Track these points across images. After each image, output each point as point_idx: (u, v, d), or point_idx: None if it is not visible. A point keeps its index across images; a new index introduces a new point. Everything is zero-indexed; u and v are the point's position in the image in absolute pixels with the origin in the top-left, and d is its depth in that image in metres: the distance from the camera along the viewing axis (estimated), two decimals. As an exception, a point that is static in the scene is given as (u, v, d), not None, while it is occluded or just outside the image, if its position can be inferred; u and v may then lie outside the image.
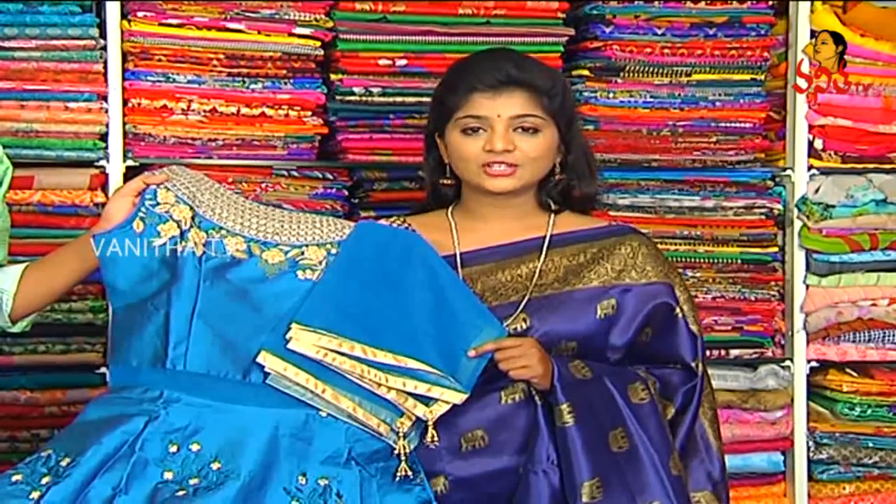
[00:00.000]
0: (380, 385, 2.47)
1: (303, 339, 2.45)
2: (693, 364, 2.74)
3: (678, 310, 2.75)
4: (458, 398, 2.50)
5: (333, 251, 2.58)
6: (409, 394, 2.48)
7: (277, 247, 2.56)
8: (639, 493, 2.58)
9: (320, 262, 2.55)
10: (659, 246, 3.54)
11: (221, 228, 2.55)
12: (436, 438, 2.50)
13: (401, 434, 2.49)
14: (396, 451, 2.48)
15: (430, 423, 2.49)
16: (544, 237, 2.77)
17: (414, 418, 2.50)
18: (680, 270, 3.60)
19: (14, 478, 2.35)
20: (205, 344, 2.43)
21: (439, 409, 2.50)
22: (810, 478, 3.81)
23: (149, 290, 2.47)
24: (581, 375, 2.62)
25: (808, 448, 3.80)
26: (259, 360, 2.43)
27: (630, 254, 2.76)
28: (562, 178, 2.79)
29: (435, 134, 2.80)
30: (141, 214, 2.50)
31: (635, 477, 2.59)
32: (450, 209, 2.83)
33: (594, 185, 2.85)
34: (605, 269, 2.72)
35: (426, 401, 2.49)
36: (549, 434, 2.61)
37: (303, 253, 2.56)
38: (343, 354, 2.46)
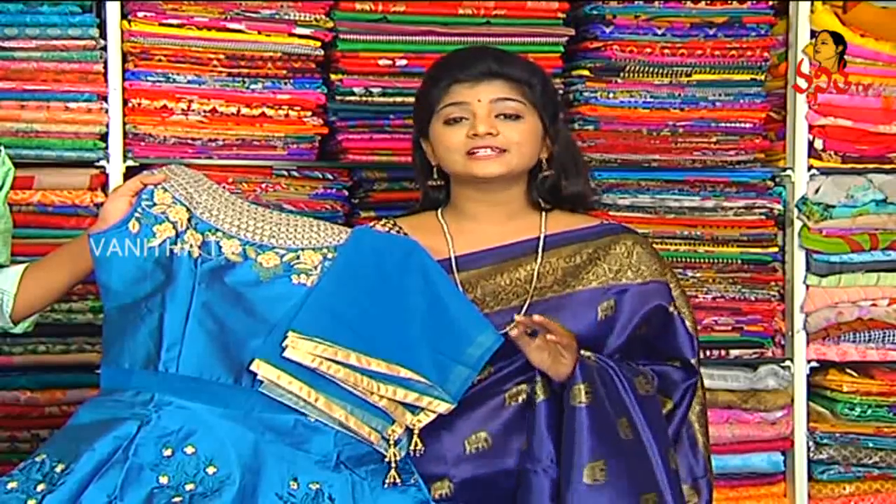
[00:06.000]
0: (372, 393, 2.47)
1: (300, 348, 2.43)
2: (693, 361, 2.75)
3: (674, 308, 2.74)
4: (445, 408, 2.50)
5: (330, 256, 2.56)
6: (399, 402, 2.48)
7: (273, 250, 2.54)
8: (639, 483, 2.57)
9: (315, 267, 2.53)
10: (659, 246, 3.56)
11: (218, 230, 2.53)
12: (419, 446, 2.50)
13: (391, 442, 2.48)
14: (387, 459, 2.47)
15: (415, 431, 2.49)
16: (538, 238, 2.76)
17: (404, 426, 2.50)
18: (678, 270, 3.62)
19: (9, 485, 2.34)
20: (198, 347, 2.42)
21: (425, 419, 2.50)
22: (810, 478, 3.81)
23: (143, 292, 2.46)
24: (592, 362, 2.62)
25: (808, 448, 3.79)
26: (252, 368, 2.41)
27: (625, 253, 2.74)
28: (550, 174, 2.78)
29: (421, 138, 2.80)
30: (137, 215, 2.49)
31: (638, 467, 2.59)
32: (440, 211, 2.82)
33: (582, 182, 2.84)
34: (603, 270, 2.72)
35: (413, 410, 2.49)
36: (548, 433, 2.60)
37: (298, 257, 2.54)
38: (338, 363, 2.45)
